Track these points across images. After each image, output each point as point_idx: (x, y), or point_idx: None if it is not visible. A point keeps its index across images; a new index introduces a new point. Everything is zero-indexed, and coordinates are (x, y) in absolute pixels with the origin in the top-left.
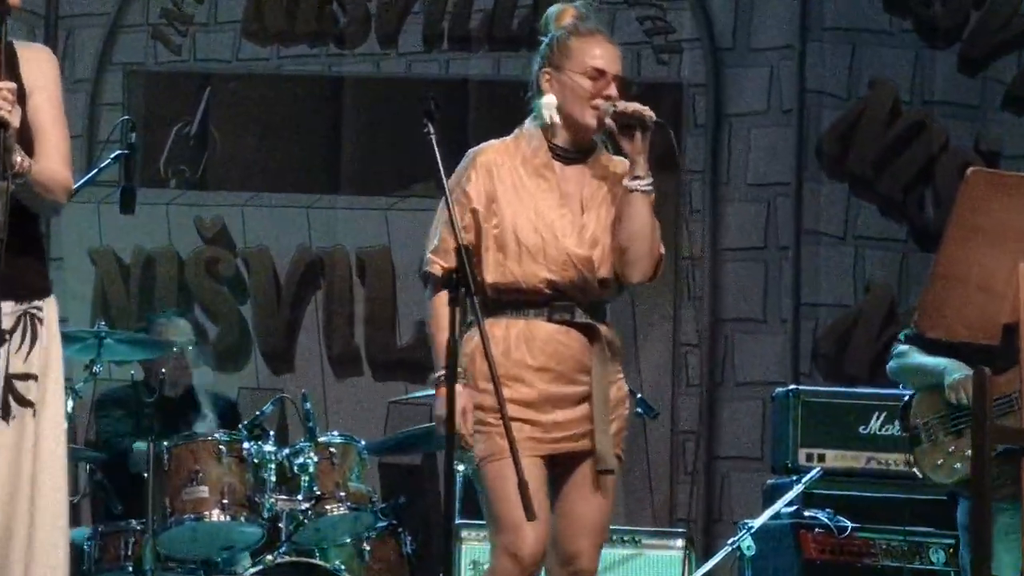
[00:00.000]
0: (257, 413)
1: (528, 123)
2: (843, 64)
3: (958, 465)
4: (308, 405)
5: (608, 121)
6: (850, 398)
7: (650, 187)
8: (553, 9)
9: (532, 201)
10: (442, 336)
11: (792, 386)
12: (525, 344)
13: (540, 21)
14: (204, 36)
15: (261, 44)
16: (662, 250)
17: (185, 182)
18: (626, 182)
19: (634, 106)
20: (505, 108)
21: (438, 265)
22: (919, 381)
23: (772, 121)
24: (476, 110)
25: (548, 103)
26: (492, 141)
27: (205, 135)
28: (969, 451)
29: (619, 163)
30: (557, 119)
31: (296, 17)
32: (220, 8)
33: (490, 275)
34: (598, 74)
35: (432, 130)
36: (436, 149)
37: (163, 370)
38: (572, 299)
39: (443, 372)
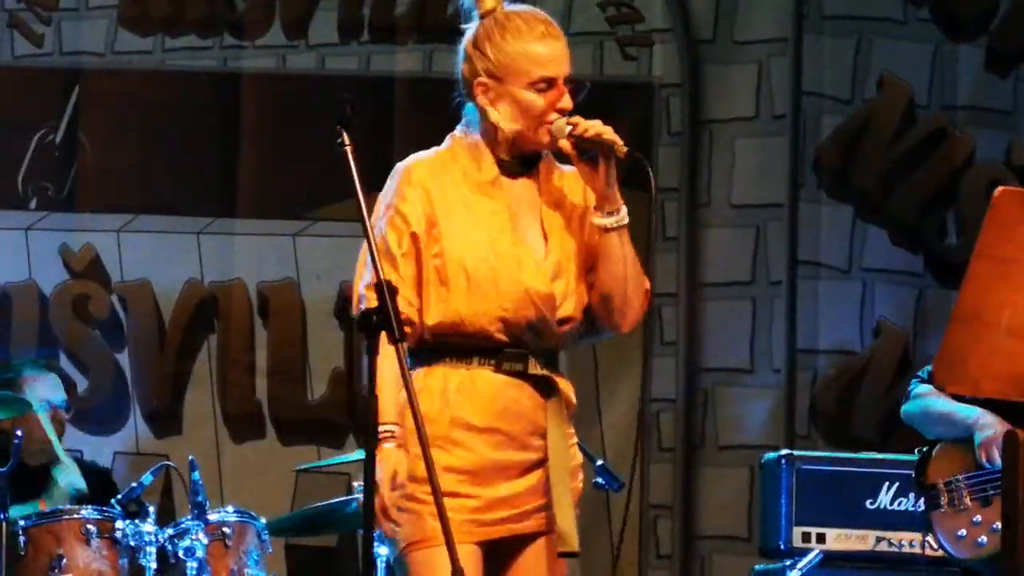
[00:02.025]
0: (134, 485)
1: (460, 130)
2: (846, 60)
3: (983, 539)
4: (196, 475)
5: (563, 143)
6: (856, 465)
7: (626, 219)
8: None
9: (480, 224)
10: (384, 389)
11: (785, 451)
12: (467, 399)
13: (458, 3)
14: (72, 24)
15: (141, 33)
16: (648, 285)
17: (48, 202)
18: (597, 220)
19: (596, 128)
20: (437, 111)
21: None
22: (944, 431)
23: (761, 129)
24: (403, 113)
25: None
26: (421, 153)
27: (73, 144)
28: (998, 524)
29: (572, 175)
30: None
31: (184, 1)
32: None
33: (431, 315)
34: (548, 84)
35: (347, 140)
36: (352, 163)
37: (19, 431)
38: (525, 345)
39: (385, 426)
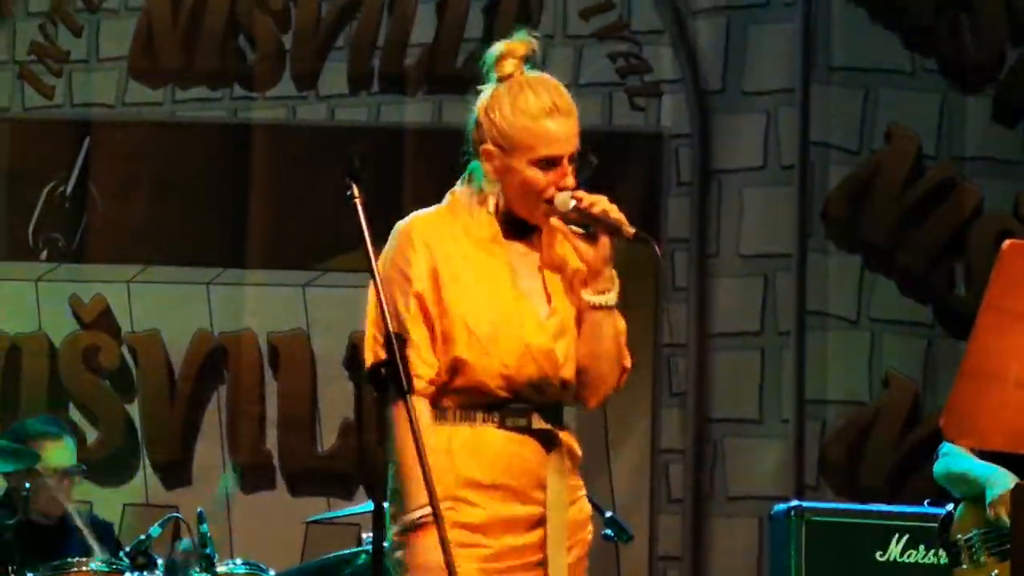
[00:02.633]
0: (142, 537)
1: (461, 186)
2: (854, 111)
3: None
4: (205, 527)
5: (554, 220)
6: (865, 517)
7: (615, 299)
8: (494, 51)
9: (481, 280)
10: (409, 457)
11: (795, 502)
12: (472, 457)
13: (480, 61)
14: (83, 76)
15: (152, 85)
16: (628, 363)
17: (59, 253)
18: (587, 296)
19: (602, 205)
20: (446, 161)
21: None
22: (964, 489)
23: (769, 179)
24: (412, 163)
25: (488, 186)
26: (420, 212)
27: (84, 196)
28: None
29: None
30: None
31: (194, 53)
32: (102, 42)
33: (440, 373)
34: (551, 163)
35: (356, 193)
36: (362, 216)
37: (27, 484)
38: (528, 401)
39: (424, 510)
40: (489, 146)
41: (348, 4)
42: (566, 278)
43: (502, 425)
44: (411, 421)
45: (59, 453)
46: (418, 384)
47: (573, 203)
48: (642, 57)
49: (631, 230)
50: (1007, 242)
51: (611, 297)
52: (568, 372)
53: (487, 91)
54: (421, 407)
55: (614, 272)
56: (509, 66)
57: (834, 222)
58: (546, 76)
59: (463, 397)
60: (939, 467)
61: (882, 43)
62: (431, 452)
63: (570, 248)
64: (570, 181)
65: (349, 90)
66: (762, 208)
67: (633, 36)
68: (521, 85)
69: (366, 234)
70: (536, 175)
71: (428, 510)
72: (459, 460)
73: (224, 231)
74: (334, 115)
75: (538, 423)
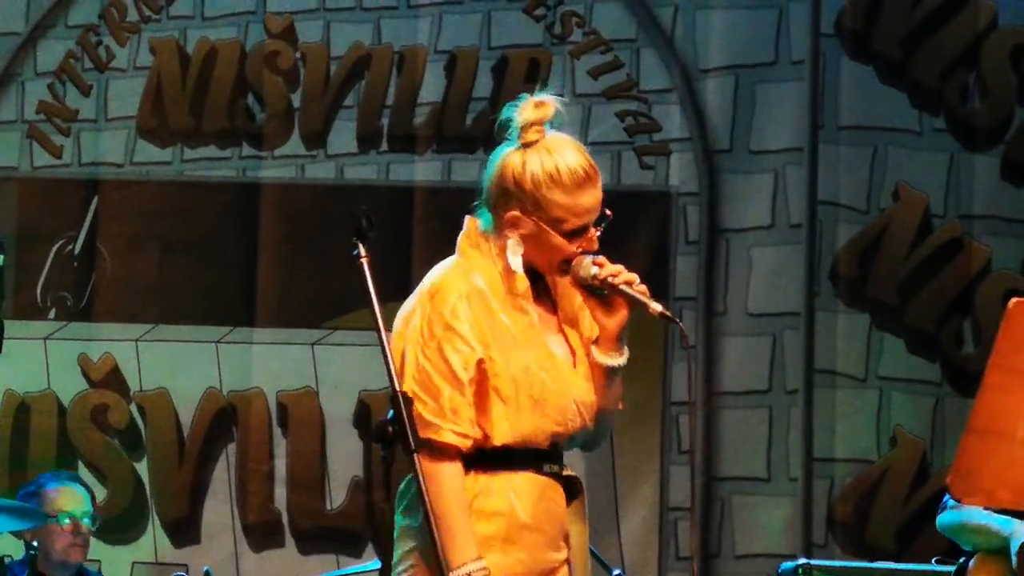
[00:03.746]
0: None
1: (478, 237)
2: (862, 170)
3: None
4: None
5: (584, 281)
6: (873, 575)
7: (624, 362)
8: (523, 116)
9: (522, 340)
10: (458, 519)
11: (802, 560)
12: (522, 500)
13: (499, 122)
14: (91, 135)
15: (160, 144)
16: (621, 406)
17: (67, 312)
18: (601, 359)
19: (626, 277)
20: (456, 220)
21: (450, 432)
22: (981, 541)
23: (777, 238)
24: (422, 222)
25: (515, 263)
26: (448, 269)
27: (92, 254)
28: None
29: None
30: (519, 267)
31: (203, 112)
32: (111, 101)
33: (498, 434)
34: (577, 233)
35: (363, 252)
36: (368, 275)
37: (34, 543)
38: (557, 448)
39: (480, 563)
40: (518, 214)
41: (357, 63)
42: (579, 322)
43: (540, 471)
44: (419, 482)
45: (72, 499)
46: (463, 443)
47: (595, 270)
48: (651, 116)
49: (657, 308)
50: (1014, 300)
51: (620, 360)
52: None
53: (513, 155)
54: (458, 471)
55: (624, 339)
56: (534, 134)
57: (842, 281)
58: (569, 139)
59: (516, 448)
60: (947, 519)
61: (890, 102)
62: (492, 495)
63: (571, 291)
64: (595, 243)
65: (358, 149)
66: (770, 267)
67: (642, 95)
68: (550, 152)
69: (372, 293)
70: (565, 244)
71: (484, 563)
72: (512, 503)
73: (233, 290)
74: (343, 174)
75: (568, 470)
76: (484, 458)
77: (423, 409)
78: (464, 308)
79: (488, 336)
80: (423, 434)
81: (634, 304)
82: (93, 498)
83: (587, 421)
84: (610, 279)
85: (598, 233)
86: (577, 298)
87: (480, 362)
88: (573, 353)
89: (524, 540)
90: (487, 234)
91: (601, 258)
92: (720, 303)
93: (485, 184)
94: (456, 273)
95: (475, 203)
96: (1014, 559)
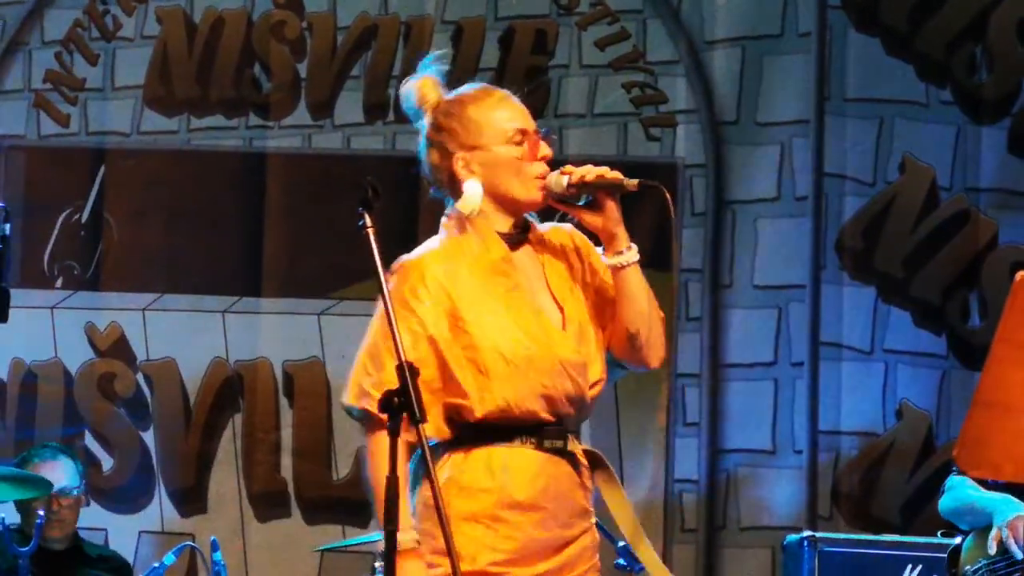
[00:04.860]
0: (155, 565)
1: (447, 221)
2: (868, 143)
3: None
4: (218, 555)
5: (563, 197)
6: (879, 548)
7: (637, 254)
8: (409, 88)
9: (503, 306)
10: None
11: (807, 532)
12: (512, 477)
13: (399, 100)
14: (98, 104)
15: (167, 113)
16: (662, 313)
17: (74, 281)
18: (611, 261)
19: (596, 171)
20: None
21: (371, 399)
22: (971, 520)
23: (783, 210)
24: (428, 191)
25: (474, 192)
26: (424, 247)
27: (99, 224)
28: None
29: (555, 231)
30: (478, 207)
31: (210, 81)
32: (118, 70)
33: (477, 406)
34: (522, 136)
35: (369, 223)
36: (375, 246)
37: (40, 512)
38: (563, 422)
39: (410, 534)
40: (461, 154)
41: (364, 33)
42: (568, 276)
43: (540, 447)
44: (425, 452)
45: (55, 474)
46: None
47: (566, 179)
48: (657, 87)
49: (633, 182)
50: (1020, 274)
51: (633, 254)
52: (596, 373)
53: (426, 123)
54: (401, 448)
55: (625, 232)
56: (432, 96)
57: (848, 253)
58: (463, 87)
59: (501, 420)
60: (945, 502)
61: (897, 75)
62: (470, 471)
63: (557, 242)
64: (546, 149)
65: (365, 119)
66: (776, 239)
67: (648, 66)
68: (460, 94)
69: (378, 263)
70: (512, 150)
71: (414, 535)
72: (500, 479)
73: (239, 260)
74: (349, 144)
75: (573, 445)
76: (467, 433)
77: (364, 380)
78: (427, 289)
79: (461, 311)
80: (360, 404)
81: (615, 191)
82: (92, 463)
83: (579, 380)
84: (583, 180)
85: (546, 139)
86: (563, 266)
87: (432, 342)
88: (562, 311)
89: (516, 518)
90: (453, 214)
91: (568, 167)
92: (726, 275)
93: (427, 170)
94: (431, 251)
95: (431, 190)
96: (991, 539)
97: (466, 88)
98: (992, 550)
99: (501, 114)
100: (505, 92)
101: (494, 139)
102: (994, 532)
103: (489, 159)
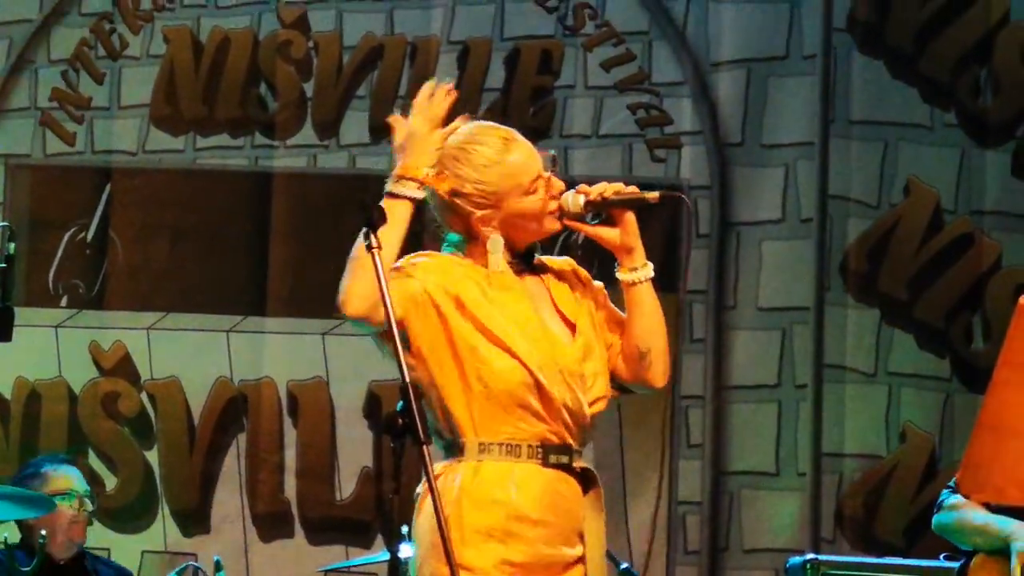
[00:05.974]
0: None
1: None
2: (873, 165)
3: None
4: (222, 575)
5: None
6: (882, 570)
7: (651, 271)
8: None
9: (507, 314)
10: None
11: (810, 555)
12: (522, 491)
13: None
14: (104, 123)
15: (173, 132)
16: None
17: (79, 300)
18: (625, 277)
19: (613, 187)
20: None
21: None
22: (981, 542)
23: (788, 232)
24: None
25: (499, 248)
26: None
27: (104, 242)
28: None
29: (557, 260)
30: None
31: (216, 100)
32: (124, 89)
33: (482, 429)
34: (536, 180)
35: (375, 242)
36: (379, 266)
37: (43, 531)
38: (567, 439)
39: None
40: (480, 212)
41: (370, 53)
42: (576, 299)
43: (546, 463)
44: (427, 469)
45: (72, 478)
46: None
47: (583, 198)
48: (662, 109)
49: (654, 194)
50: (1023, 297)
51: (648, 270)
52: (599, 390)
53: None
54: None
55: (642, 247)
56: (443, 188)
57: (852, 275)
58: (467, 124)
59: (508, 434)
60: (945, 518)
61: (902, 97)
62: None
63: (561, 271)
64: (558, 183)
65: (370, 139)
66: (780, 261)
67: (653, 88)
68: (461, 148)
69: (383, 283)
70: (534, 201)
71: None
72: (511, 493)
73: (244, 279)
74: (355, 163)
75: (578, 462)
76: (467, 449)
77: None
78: (422, 267)
79: (467, 300)
80: (349, 311)
81: (634, 206)
82: (96, 482)
83: (577, 391)
84: (603, 196)
85: (555, 171)
86: (569, 290)
87: (435, 304)
88: (572, 328)
89: (526, 532)
90: (459, 245)
91: (582, 187)
92: (730, 297)
93: (439, 219)
94: (425, 255)
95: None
96: (1014, 560)
97: (470, 138)
98: (1017, 573)
99: (513, 165)
100: (509, 131)
101: (510, 194)
102: (1016, 556)
103: (509, 215)
